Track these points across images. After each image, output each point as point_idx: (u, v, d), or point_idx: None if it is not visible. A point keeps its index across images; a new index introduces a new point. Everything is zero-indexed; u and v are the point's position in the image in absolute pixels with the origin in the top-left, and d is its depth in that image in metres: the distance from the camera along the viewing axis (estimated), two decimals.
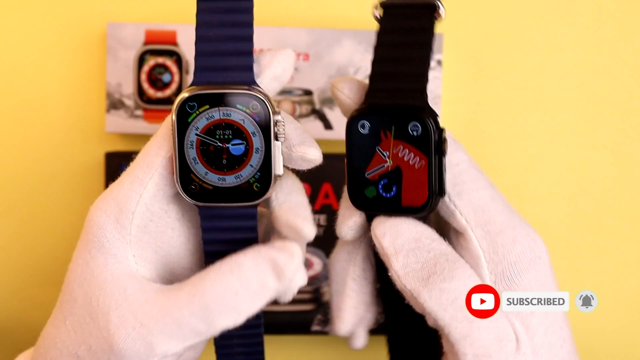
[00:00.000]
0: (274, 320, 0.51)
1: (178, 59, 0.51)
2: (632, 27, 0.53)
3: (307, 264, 0.50)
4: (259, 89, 0.32)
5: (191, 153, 0.32)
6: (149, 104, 0.51)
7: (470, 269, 0.32)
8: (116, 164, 0.50)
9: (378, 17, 0.33)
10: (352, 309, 0.36)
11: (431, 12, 0.32)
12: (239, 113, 0.32)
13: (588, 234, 0.54)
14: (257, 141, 0.32)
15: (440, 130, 0.31)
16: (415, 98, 0.32)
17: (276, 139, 0.32)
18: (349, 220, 0.34)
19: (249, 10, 0.32)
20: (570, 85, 0.53)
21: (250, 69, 0.32)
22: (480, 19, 0.53)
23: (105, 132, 0.52)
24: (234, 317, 0.31)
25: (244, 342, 0.36)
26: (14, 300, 0.54)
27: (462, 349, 0.30)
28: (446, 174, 0.32)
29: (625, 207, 0.54)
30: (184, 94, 0.32)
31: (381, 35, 0.33)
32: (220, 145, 0.32)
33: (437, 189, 0.32)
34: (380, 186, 0.32)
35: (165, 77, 0.51)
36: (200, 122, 0.32)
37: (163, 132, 0.33)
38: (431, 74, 0.51)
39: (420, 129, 0.31)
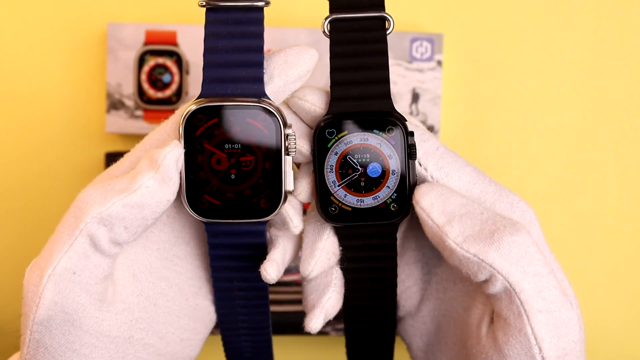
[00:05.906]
0: (274, 320, 0.51)
1: (178, 59, 0.51)
2: (632, 27, 0.53)
3: None
4: (269, 101, 0.31)
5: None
6: (149, 104, 0.51)
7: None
8: None
9: (327, 31, 0.32)
10: (324, 253, 0.33)
11: (382, 24, 0.32)
12: (249, 125, 0.30)
13: (588, 234, 0.54)
14: (268, 156, 0.31)
15: (411, 134, 0.31)
16: (382, 103, 0.31)
17: (287, 153, 0.31)
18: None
19: (259, 21, 0.31)
20: (570, 85, 0.53)
21: (260, 80, 0.31)
22: (480, 19, 0.53)
23: (105, 133, 0.52)
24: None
25: (251, 333, 0.36)
26: (14, 301, 0.54)
27: (535, 305, 0.29)
28: (431, 163, 0.32)
29: (625, 207, 0.54)
30: (192, 106, 0.31)
31: (334, 46, 0.32)
32: (228, 158, 0.31)
33: (410, 193, 0.31)
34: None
35: (166, 78, 0.51)
36: (207, 133, 0.31)
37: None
38: (431, 74, 0.51)
39: (393, 134, 0.31)
